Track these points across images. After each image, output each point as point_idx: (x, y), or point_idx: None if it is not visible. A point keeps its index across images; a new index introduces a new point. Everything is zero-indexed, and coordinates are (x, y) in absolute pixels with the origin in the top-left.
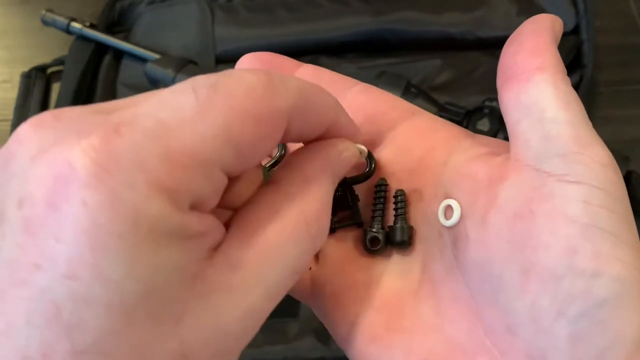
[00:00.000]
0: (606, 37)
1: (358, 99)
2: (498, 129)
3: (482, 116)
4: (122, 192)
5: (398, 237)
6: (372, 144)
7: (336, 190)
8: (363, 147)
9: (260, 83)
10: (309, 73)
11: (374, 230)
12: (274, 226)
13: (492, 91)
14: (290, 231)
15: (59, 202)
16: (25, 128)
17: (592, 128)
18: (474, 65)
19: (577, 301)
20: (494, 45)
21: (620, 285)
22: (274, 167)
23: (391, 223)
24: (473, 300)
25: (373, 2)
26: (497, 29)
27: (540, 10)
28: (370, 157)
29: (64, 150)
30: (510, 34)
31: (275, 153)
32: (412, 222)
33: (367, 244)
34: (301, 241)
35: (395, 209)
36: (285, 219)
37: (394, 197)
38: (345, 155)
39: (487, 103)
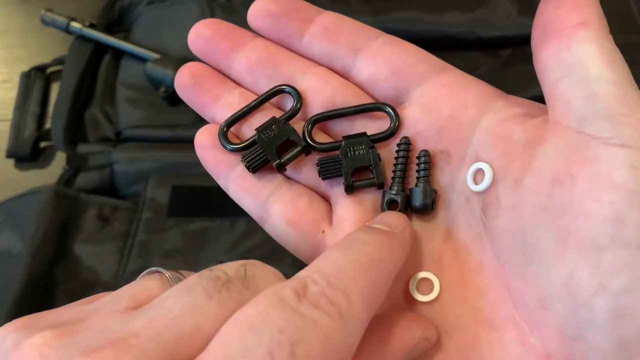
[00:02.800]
0: None
1: (383, 51)
2: None
3: None
4: None
5: (419, 200)
6: (398, 100)
7: (357, 149)
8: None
9: (336, 327)
10: (328, 21)
11: (392, 192)
12: None
13: None
14: None
15: None
16: None
17: (638, 89)
18: (474, 65)
19: (621, 274)
20: (494, 45)
21: None
22: (288, 120)
23: (414, 185)
24: (502, 271)
25: (373, 2)
26: (498, 29)
27: None
28: (394, 113)
29: None
30: (511, 33)
31: (291, 105)
32: (437, 186)
33: (385, 207)
34: None
35: (418, 171)
36: None
37: (417, 157)
38: (421, 346)
39: None
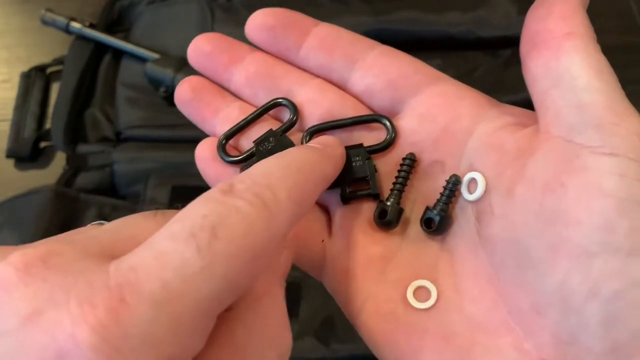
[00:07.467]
0: (606, 37)
1: (379, 62)
2: None
3: None
4: None
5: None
6: (394, 110)
7: (354, 160)
8: None
9: (259, 215)
10: (325, 33)
11: (387, 203)
12: None
13: (492, 91)
14: None
15: None
16: (10, 273)
17: (626, 98)
18: (474, 65)
19: (612, 280)
20: (494, 45)
21: None
22: (285, 133)
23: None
24: (496, 278)
25: (373, 2)
26: (498, 29)
27: None
28: (390, 125)
29: (65, 319)
30: (511, 33)
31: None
32: (434, 196)
33: (376, 216)
34: None
35: (441, 194)
36: None
37: (446, 181)
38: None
39: None
